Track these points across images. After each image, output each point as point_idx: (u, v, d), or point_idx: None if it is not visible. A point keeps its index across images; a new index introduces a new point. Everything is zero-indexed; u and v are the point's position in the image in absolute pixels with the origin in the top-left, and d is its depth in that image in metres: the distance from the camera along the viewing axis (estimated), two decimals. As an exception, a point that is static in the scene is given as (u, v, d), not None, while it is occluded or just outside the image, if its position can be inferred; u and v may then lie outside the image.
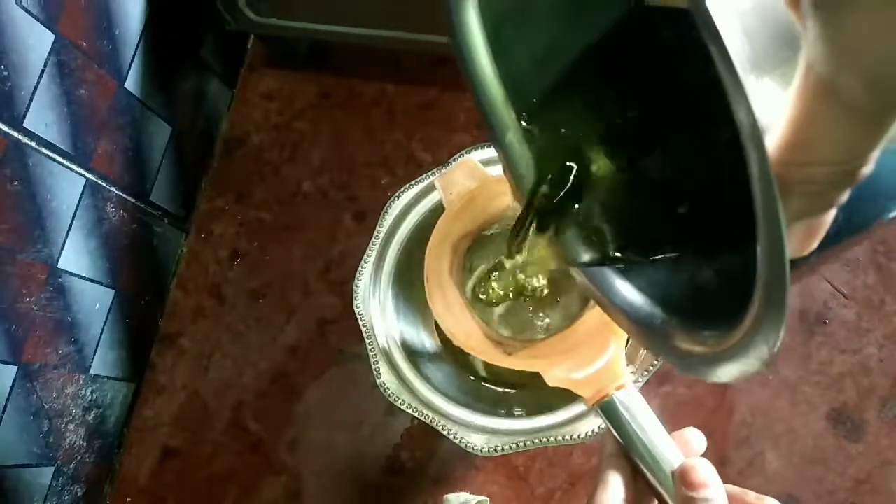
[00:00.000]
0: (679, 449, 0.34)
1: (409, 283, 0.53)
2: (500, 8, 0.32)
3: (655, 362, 0.46)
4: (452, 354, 0.53)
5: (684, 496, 0.32)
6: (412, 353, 0.51)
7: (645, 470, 0.34)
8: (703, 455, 0.34)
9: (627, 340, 0.43)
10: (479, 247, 0.51)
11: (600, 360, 0.40)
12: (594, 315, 0.44)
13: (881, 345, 0.55)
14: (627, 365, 0.42)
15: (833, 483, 0.53)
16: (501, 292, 0.50)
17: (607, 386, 0.37)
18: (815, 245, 0.20)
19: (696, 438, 0.35)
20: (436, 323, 0.52)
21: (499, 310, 0.51)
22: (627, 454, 0.35)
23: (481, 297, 0.50)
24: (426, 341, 0.54)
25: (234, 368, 0.63)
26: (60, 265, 0.54)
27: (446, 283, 0.47)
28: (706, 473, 0.32)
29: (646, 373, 0.46)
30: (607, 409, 0.37)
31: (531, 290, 0.50)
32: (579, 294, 0.50)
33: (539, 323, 0.51)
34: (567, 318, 0.50)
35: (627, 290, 0.32)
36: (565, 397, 0.44)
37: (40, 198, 0.51)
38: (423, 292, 0.47)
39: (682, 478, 0.32)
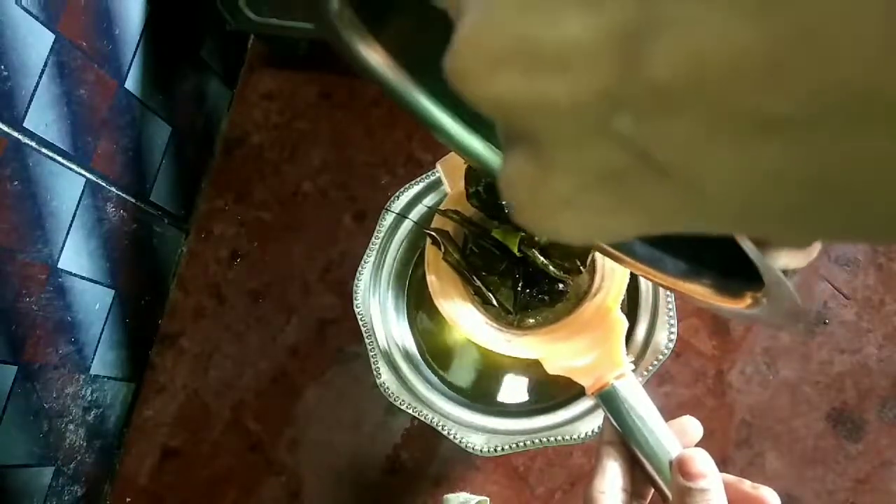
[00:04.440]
0: (677, 438, 0.34)
1: (409, 283, 0.52)
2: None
3: (656, 361, 0.46)
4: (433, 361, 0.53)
5: (681, 486, 0.32)
6: (412, 353, 0.51)
7: (643, 459, 0.34)
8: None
9: (629, 329, 0.43)
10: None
11: (600, 349, 0.40)
12: (595, 303, 0.44)
13: (881, 345, 0.55)
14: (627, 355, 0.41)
15: (833, 483, 0.53)
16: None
17: (607, 374, 0.37)
18: (817, 251, 0.20)
19: (692, 427, 0.35)
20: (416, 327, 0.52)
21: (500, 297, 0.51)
22: (626, 443, 0.35)
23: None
24: (412, 346, 0.53)
25: (234, 368, 0.63)
26: (60, 265, 0.54)
27: (445, 270, 0.46)
28: (703, 464, 0.32)
29: (645, 373, 0.46)
30: (607, 398, 0.37)
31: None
32: (581, 281, 0.49)
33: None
34: (568, 305, 0.50)
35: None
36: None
37: (40, 198, 0.51)
38: (419, 293, 0.47)
39: (680, 468, 0.32)
